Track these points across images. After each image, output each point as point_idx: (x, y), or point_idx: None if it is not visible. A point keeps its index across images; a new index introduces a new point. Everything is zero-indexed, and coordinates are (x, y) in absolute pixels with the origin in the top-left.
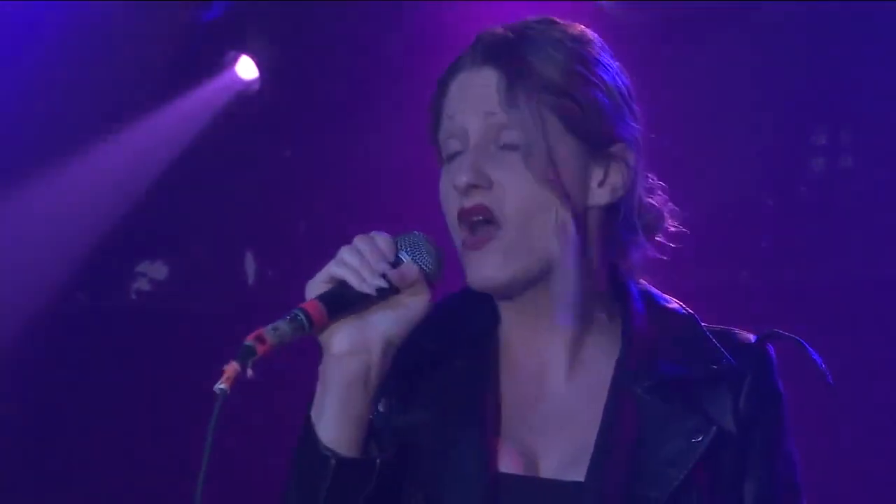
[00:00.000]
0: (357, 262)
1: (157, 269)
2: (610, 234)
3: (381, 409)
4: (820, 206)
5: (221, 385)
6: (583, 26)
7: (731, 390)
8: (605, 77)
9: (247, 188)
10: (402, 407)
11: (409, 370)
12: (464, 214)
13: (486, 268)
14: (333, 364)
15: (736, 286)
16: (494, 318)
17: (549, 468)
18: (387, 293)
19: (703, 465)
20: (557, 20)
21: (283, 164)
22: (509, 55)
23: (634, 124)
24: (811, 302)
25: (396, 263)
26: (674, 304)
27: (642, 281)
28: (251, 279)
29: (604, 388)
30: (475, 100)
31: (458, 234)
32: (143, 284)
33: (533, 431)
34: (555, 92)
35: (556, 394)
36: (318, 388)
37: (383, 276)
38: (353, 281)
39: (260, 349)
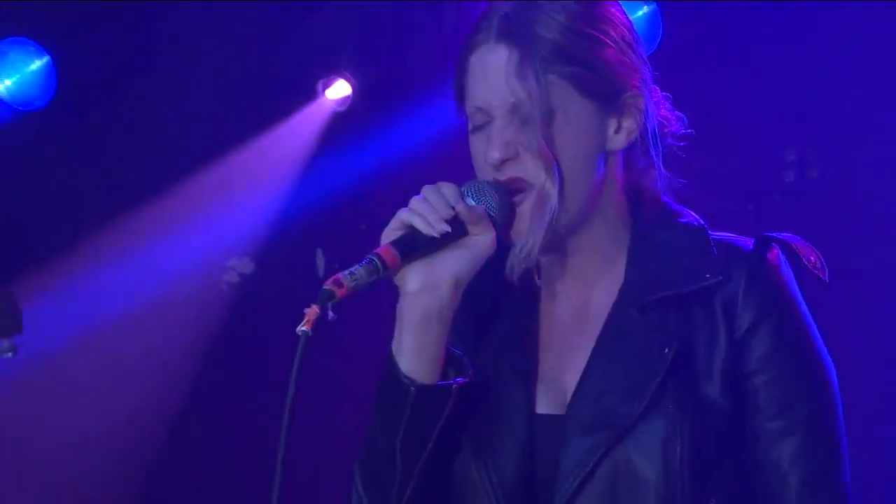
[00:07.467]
0: (424, 209)
1: (244, 265)
2: (630, 169)
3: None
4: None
5: (303, 327)
6: None
7: (728, 300)
8: (610, 30)
9: (317, 197)
10: (465, 350)
11: (464, 316)
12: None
13: (531, 231)
14: (408, 302)
15: None
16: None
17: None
18: (452, 236)
19: (675, 375)
20: None
21: (346, 176)
22: (517, 29)
23: (641, 66)
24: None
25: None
26: (687, 218)
27: (663, 199)
28: (321, 272)
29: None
30: (492, 78)
31: None
32: (232, 277)
33: (564, 366)
34: (563, 59)
35: (580, 327)
36: (396, 326)
37: (451, 219)
38: (421, 226)
39: (338, 293)
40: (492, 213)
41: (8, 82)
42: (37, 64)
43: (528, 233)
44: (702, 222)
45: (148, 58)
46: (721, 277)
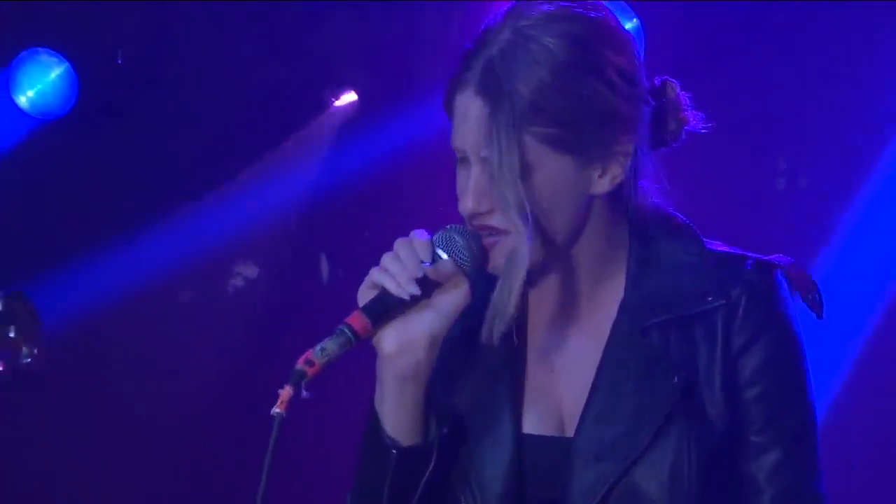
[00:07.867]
0: (395, 269)
1: (249, 270)
2: (620, 195)
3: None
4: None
5: (277, 409)
6: (582, 11)
7: (726, 320)
8: (600, 77)
9: (321, 204)
10: (447, 391)
11: (449, 352)
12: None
13: (503, 295)
14: (385, 364)
15: None
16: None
17: (571, 423)
18: (423, 296)
19: (681, 403)
20: (554, 12)
21: (349, 184)
22: (496, 84)
23: (636, 105)
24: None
25: (434, 261)
26: (684, 230)
27: (660, 209)
28: (325, 277)
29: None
30: (469, 128)
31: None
32: (238, 282)
33: (559, 386)
34: (540, 118)
35: (577, 346)
36: (377, 383)
37: (421, 278)
38: (392, 287)
39: (310, 371)
40: (463, 265)
41: (30, 93)
42: (57, 72)
43: (499, 296)
44: (698, 235)
45: (162, 66)
46: (724, 301)
